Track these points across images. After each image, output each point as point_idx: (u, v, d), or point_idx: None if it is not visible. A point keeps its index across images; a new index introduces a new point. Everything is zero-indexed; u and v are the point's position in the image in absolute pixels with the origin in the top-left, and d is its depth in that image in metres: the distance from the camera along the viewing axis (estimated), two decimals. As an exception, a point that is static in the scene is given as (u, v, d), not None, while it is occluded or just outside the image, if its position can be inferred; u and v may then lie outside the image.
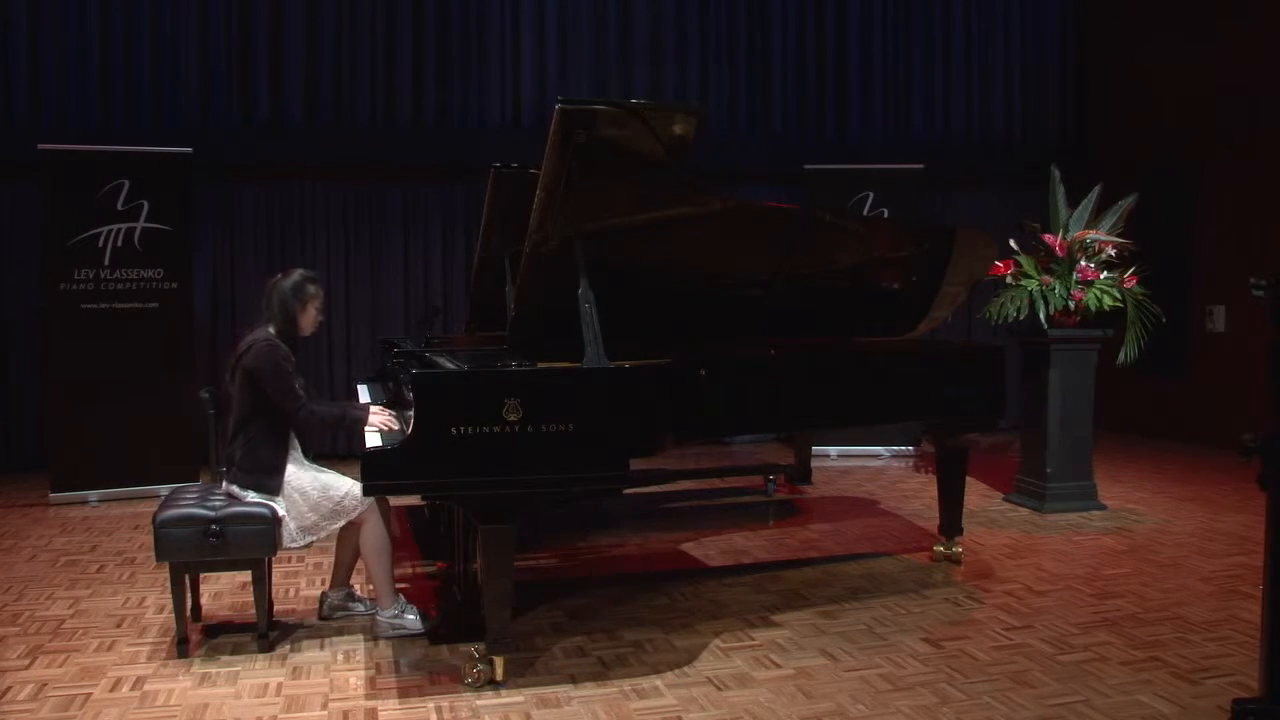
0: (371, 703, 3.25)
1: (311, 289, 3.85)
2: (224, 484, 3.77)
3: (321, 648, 3.73)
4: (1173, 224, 7.91)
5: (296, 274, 3.88)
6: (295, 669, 3.53)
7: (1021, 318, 5.71)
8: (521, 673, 3.46)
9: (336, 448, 7.13)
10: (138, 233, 6.35)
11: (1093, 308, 5.59)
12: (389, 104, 7.79)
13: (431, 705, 3.23)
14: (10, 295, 7.17)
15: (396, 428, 3.75)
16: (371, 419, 3.77)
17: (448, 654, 3.63)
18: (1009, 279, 5.72)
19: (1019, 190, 8.26)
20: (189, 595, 3.79)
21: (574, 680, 3.42)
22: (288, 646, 3.74)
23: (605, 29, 8.13)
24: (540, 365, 3.46)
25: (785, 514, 5.98)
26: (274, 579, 4.24)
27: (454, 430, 3.18)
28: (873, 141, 8.55)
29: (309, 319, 3.86)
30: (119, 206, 6.30)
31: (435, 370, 3.68)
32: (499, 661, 3.37)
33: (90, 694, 3.33)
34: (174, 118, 7.40)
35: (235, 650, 3.70)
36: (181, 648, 3.63)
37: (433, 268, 7.94)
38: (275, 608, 4.07)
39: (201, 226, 7.28)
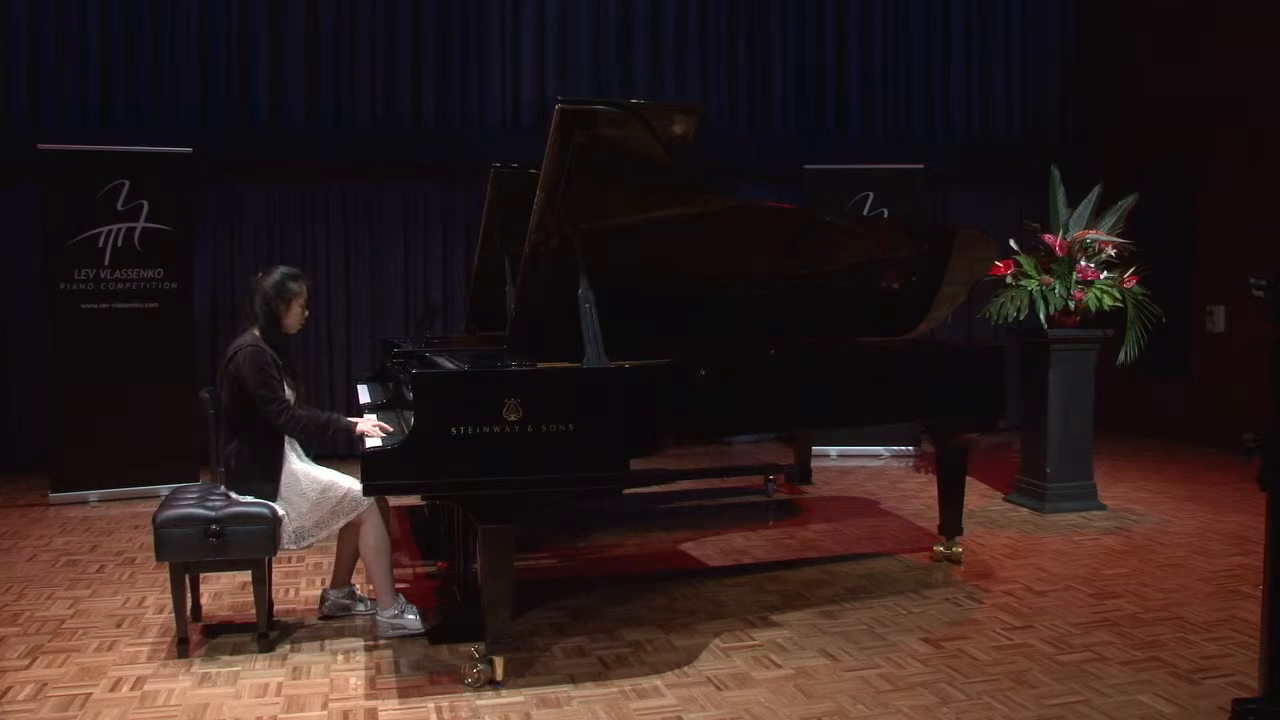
0: (371, 703, 3.25)
1: (294, 286, 3.79)
2: (222, 489, 3.78)
3: (321, 648, 3.73)
4: (1173, 224, 7.91)
5: (278, 272, 3.82)
6: (295, 669, 3.53)
7: (1021, 318, 5.71)
8: (521, 673, 3.46)
9: (336, 448, 7.11)
10: (138, 233, 6.35)
11: (1093, 308, 5.59)
12: (389, 104, 7.78)
13: (431, 705, 3.23)
14: (10, 295, 7.16)
15: (388, 431, 3.73)
16: (360, 425, 3.74)
17: (448, 654, 3.64)
18: (1009, 279, 5.71)
19: (1019, 190, 8.27)
20: (189, 595, 3.78)
21: (574, 680, 3.42)
22: (288, 646, 3.74)
23: (605, 29, 8.13)
24: (540, 365, 3.46)
25: (785, 514, 5.97)
26: (274, 579, 4.23)
27: (454, 430, 3.18)
28: (873, 141, 8.54)
29: (294, 317, 3.82)
30: (119, 206, 6.30)
31: (435, 370, 3.68)
32: (499, 661, 3.37)
33: (90, 694, 3.33)
34: (174, 118, 7.39)
35: (235, 650, 3.70)
36: (181, 648, 3.63)
37: (433, 268, 7.94)
38: (275, 608, 4.07)
39: (201, 226, 7.28)
